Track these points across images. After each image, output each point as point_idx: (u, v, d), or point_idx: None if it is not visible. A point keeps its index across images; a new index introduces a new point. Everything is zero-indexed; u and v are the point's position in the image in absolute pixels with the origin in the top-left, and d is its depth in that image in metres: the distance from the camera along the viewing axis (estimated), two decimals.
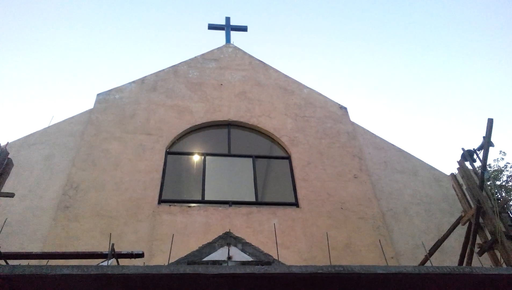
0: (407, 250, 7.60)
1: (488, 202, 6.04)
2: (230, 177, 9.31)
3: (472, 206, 6.27)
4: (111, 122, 8.97)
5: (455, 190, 6.91)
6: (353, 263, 6.10)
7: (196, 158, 8.95)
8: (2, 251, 5.28)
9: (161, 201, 7.72)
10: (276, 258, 6.06)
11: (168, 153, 8.70)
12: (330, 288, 4.45)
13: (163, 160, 8.41)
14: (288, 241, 7.30)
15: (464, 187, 6.74)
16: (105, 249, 5.68)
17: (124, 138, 8.64)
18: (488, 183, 6.83)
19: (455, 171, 7.15)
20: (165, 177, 8.22)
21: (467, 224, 6.40)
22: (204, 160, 8.76)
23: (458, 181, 6.93)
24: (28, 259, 5.57)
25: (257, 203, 8.11)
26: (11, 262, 5.31)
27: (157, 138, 8.78)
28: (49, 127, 8.82)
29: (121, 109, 9.34)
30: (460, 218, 6.59)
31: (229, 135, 9.47)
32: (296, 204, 8.14)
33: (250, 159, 9.01)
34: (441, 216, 8.41)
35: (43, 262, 5.68)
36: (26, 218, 7.04)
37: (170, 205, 7.59)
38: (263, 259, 6.09)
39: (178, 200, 7.90)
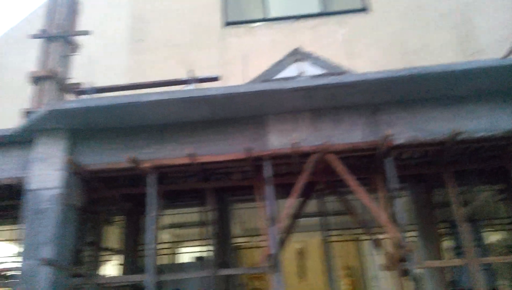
0: (490, 45, 7.07)
1: None
2: None
3: None
4: None
5: None
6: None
7: None
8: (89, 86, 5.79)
9: (226, 23, 7.63)
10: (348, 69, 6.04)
11: None
12: (407, 92, 4.45)
13: None
14: (359, 50, 7.10)
15: None
16: (180, 76, 5.98)
17: None
18: None
19: None
20: None
21: None
22: None
23: None
24: (116, 91, 6.08)
25: (323, 14, 7.69)
26: (99, 95, 5.83)
27: None
28: None
29: None
30: None
31: None
32: (365, 9, 7.60)
33: None
34: None
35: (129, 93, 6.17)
36: (103, 55, 7.46)
37: (235, 27, 7.52)
38: (335, 71, 6.10)
39: (242, 21, 7.74)
